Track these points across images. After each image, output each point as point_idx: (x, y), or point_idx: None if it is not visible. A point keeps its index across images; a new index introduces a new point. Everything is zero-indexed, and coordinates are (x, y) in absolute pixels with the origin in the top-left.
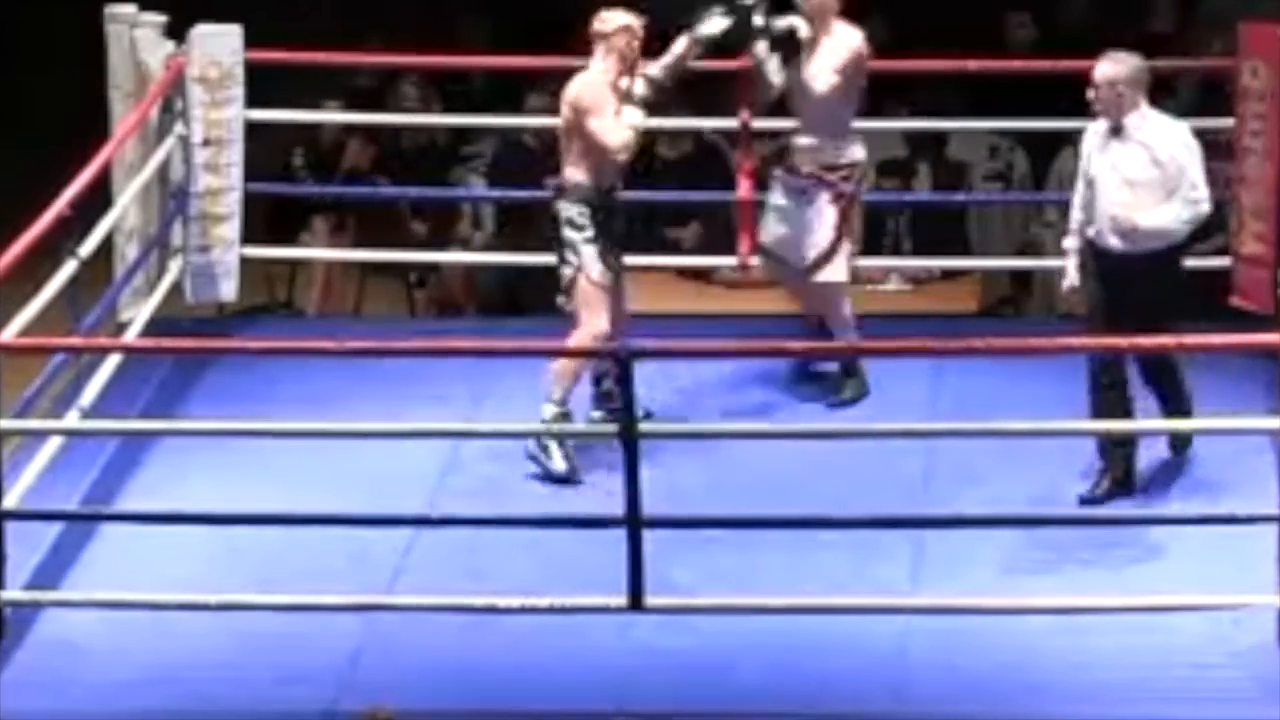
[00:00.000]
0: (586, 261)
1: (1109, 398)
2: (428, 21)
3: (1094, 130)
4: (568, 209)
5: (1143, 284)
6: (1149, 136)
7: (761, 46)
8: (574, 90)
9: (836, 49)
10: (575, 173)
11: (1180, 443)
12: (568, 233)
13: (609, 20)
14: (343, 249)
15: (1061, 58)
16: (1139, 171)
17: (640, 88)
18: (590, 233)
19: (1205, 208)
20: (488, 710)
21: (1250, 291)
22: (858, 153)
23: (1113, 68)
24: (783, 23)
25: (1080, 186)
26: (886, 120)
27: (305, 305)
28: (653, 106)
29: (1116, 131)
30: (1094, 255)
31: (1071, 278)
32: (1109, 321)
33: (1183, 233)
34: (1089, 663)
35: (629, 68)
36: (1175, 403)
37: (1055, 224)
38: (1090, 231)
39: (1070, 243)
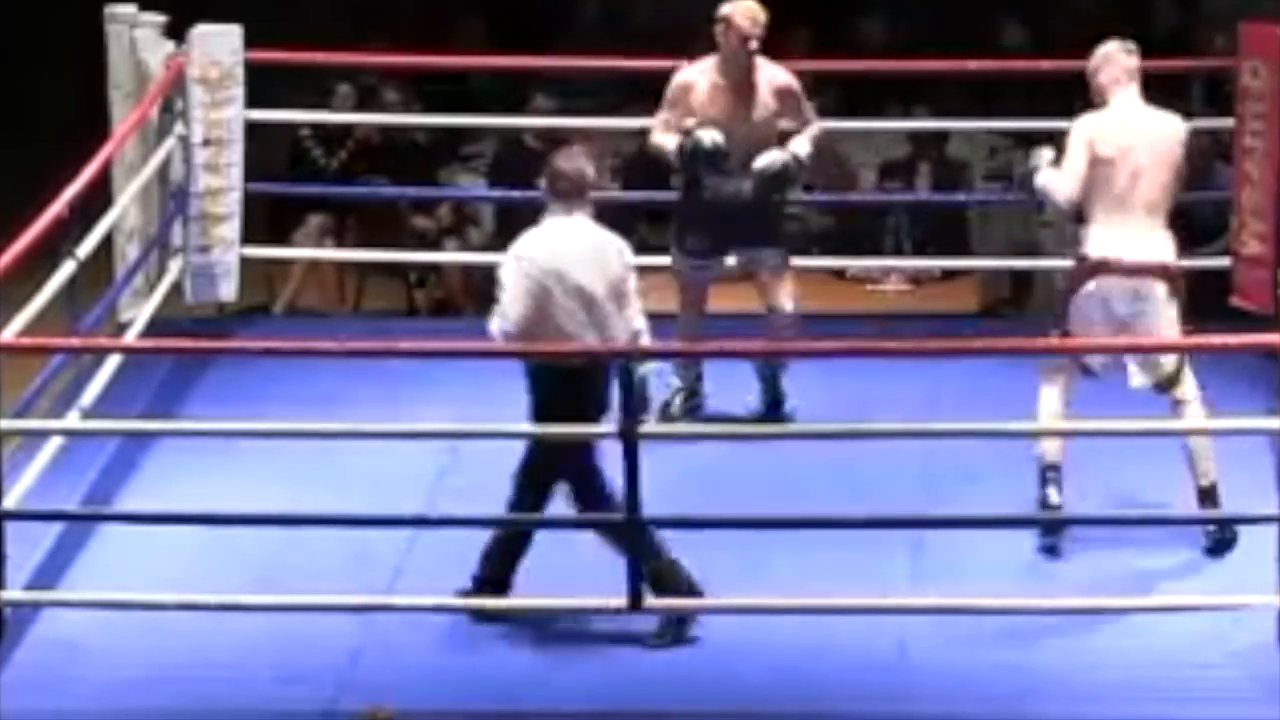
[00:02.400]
0: None
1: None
2: (426, 21)
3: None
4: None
5: None
6: None
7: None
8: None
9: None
10: None
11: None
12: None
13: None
14: (336, 247)
15: (1061, 58)
16: None
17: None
18: None
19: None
20: (488, 710)
21: (1250, 291)
22: None
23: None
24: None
25: None
26: (887, 120)
27: (309, 303)
28: None
29: None
30: None
31: None
32: None
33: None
34: (1089, 663)
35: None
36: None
37: (1055, 224)
38: None
39: None
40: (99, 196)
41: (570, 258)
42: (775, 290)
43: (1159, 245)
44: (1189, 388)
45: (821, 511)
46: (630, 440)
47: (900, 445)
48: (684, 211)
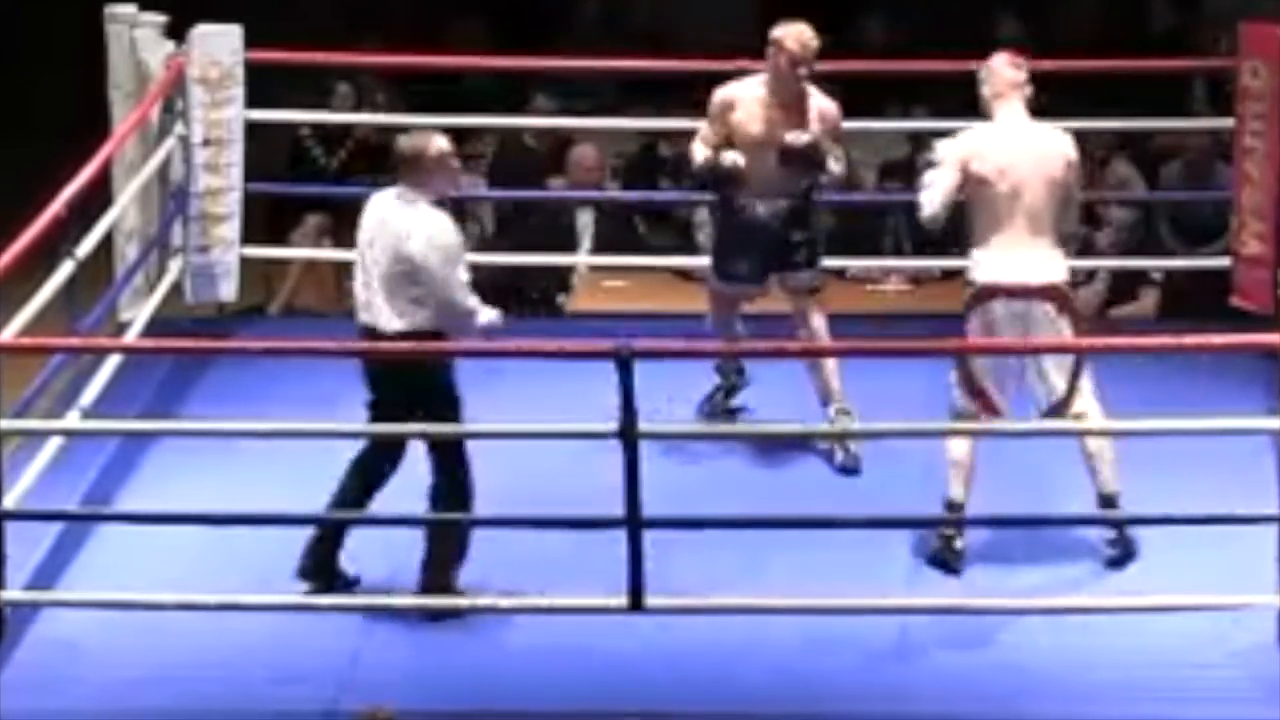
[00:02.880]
0: None
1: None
2: (423, 22)
3: None
4: None
5: None
6: None
7: None
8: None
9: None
10: None
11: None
12: None
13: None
14: (334, 247)
15: (1061, 58)
16: None
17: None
18: None
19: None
20: (488, 710)
21: (1250, 291)
22: None
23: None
24: None
25: None
26: (887, 120)
27: (307, 303)
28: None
29: None
30: None
31: None
32: None
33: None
34: (1089, 663)
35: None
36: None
37: None
38: None
39: None
40: (99, 196)
41: (368, 231)
42: (807, 308)
43: (1044, 265)
44: (1085, 401)
45: (821, 511)
46: (630, 440)
47: (900, 445)
48: (722, 236)
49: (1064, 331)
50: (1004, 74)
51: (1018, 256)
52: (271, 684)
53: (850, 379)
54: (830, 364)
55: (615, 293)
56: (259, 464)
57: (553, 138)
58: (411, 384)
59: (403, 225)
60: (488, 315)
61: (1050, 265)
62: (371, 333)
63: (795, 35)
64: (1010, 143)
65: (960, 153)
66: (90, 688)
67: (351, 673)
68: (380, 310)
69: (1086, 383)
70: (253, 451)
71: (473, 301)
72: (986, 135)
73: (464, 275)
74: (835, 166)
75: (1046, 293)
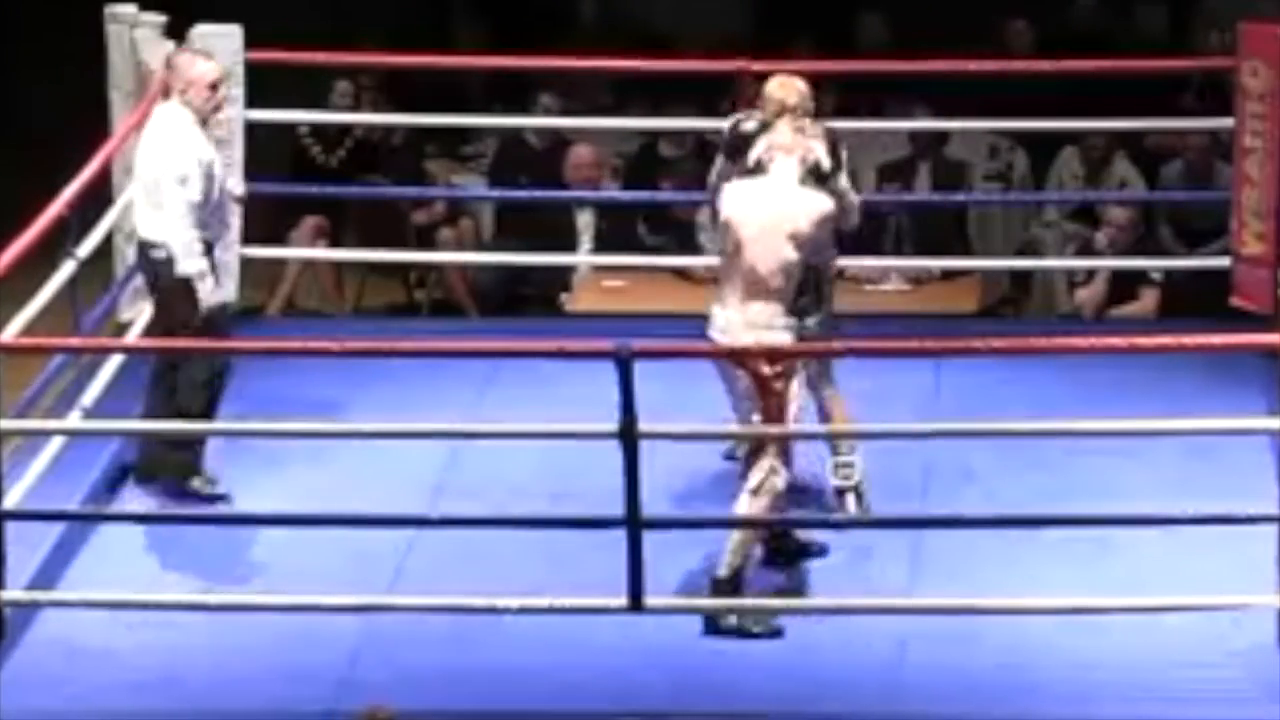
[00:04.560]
0: None
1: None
2: (424, 21)
3: None
4: None
5: None
6: None
7: None
8: None
9: None
10: None
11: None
12: None
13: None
14: (331, 247)
15: (1063, 58)
16: None
17: None
18: None
19: None
20: (488, 710)
21: (1250, 291)
22: None
23: None
24: None
25: None
26: (887, 120)
27: (306, 303)
28: None
29: None
30: None
31: None
32: None
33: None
34: (1089, 663)
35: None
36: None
37: (1055, 224)
38: None
39: None
40: (99, 196)
41: None
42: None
43: (740, 321)
44: (755, 479)
45: (822, 511)
46: (630, 440)
47: (901, 445)
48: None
49: (749, 402)
50: (774, 96)
51: (727, 311)
52: (271, 684)
53: (850, 379)
54: (839, 411)
55: (615, 293)
56: (258, 464)
57: (553, 137)
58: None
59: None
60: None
61: (749, 324)
62: None
63: (774, 85)
64: (754, 189)
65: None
66: (90, 688)
67: (351, 673)
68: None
69: (766, 459)
70: (253, 451)
71: None
72: (744, 179)
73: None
74: (849, 193)
75: (735, 355)
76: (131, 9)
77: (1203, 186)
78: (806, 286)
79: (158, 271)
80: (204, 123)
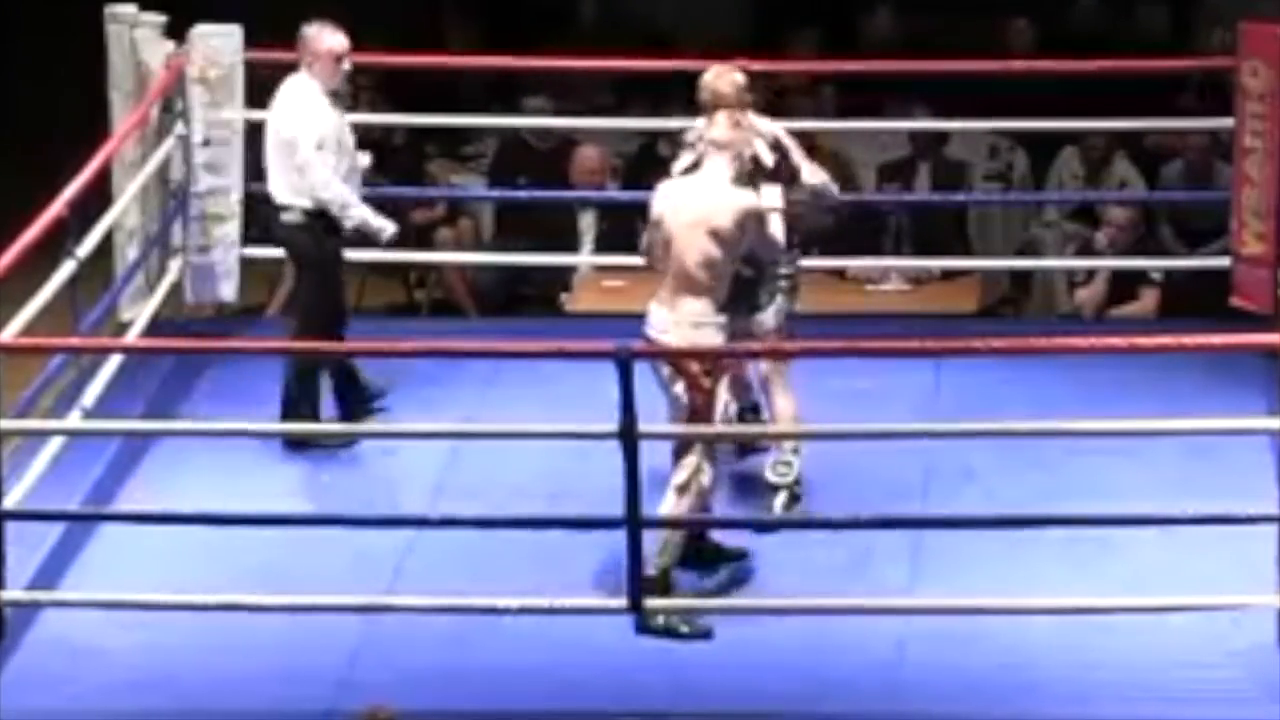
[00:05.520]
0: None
1: None
2: (424, 21)
3: None
4: None
5: None
6: None
7: None
8: None
9: None
10: None
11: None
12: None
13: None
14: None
15: (1063, 58)
16: None
17: None
18: None
19: None
20: (488, 710)
21: (1250, 291)
22: None
23: None
24: None
25: None
26: (887, 120)
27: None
28: None
29: None
30: None
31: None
32: None
33: None
34: (1089, 663)
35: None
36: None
37: (1055, 224)
38: None
39: None
40: (99, 196)
41: None
42: (771, 380)
43: (670, 319)
44: (682, 477)
45: (821, 511)
46: (630, 440)
47: (900, 445)
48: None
49: (676, 392)
50: (707, 86)
51: (658, 303)
52: (271, 684)
53: (850, 379)
54: (788, 410)
55: (615, 293)
56: (259, 464)
57: (555, 138)
58: None
59: None
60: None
61: (674, 319)
62: None
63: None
64: (681, 186)
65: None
66: (90, 688)
67: (351, 673)
68: None
69: (691, 457)
70: (253, 451)
71: None
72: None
73: None
74: (811, 179)
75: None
76: (131, 9)
77: (1203, 186)
78: (762, 281)
79: (292, 236)
80: (334, 94)
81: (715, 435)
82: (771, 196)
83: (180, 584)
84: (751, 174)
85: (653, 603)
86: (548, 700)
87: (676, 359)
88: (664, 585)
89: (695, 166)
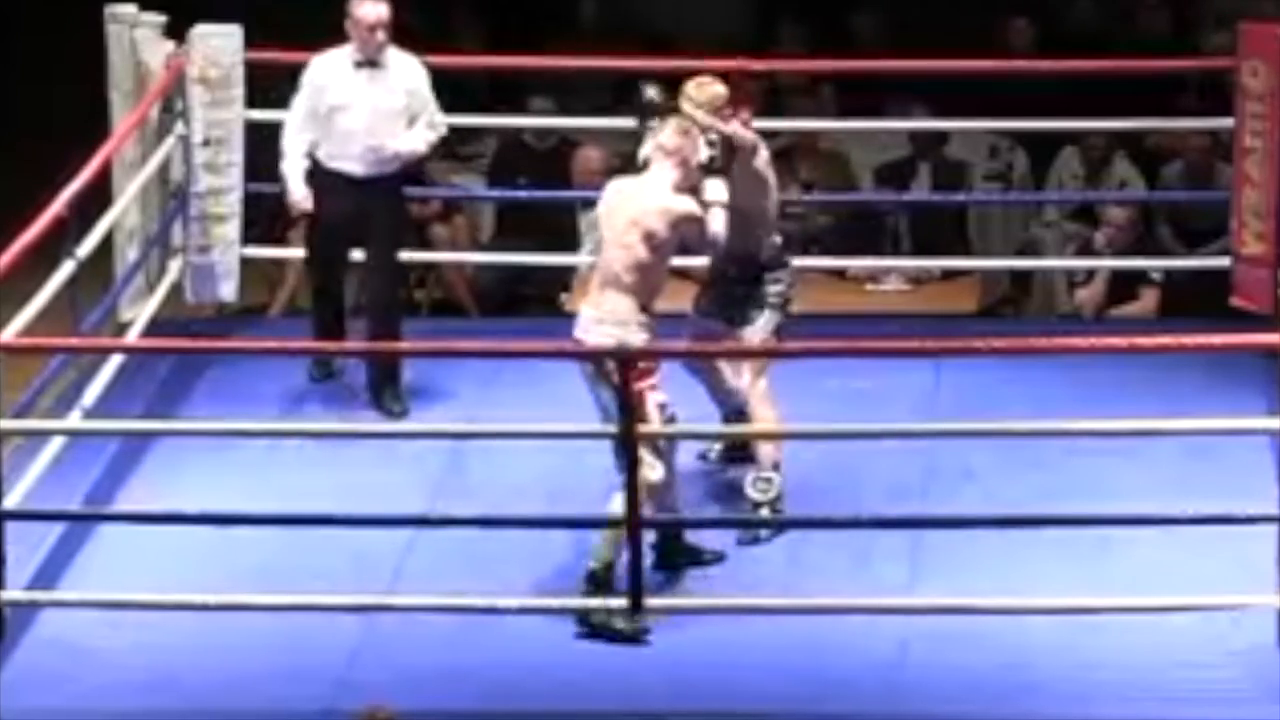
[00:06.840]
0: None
1: None
2: (424, 21)
3: None
4: None
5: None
6: None
7: None
8: None
9: None
10: None
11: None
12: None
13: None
14: None
15: (1063, 58)
16: None
17: None
18: None
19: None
20: (488, 710)
21: (1250, 291)
22: None
23: None
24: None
25: None
26: (886, 120)
27: (307, 303)
28: None
29: None
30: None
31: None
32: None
33: None
34: (1089, 663)
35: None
36: None
37: (1055, 224)
38: None
39: None
40: (99, 196)
41: None
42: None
43: (593, 317)
44: (647, 472)
45: (821, 511)
46: (630, 440)
47: (900, 445)
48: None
49: (605, 396)
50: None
51: (588, 305)
52: (271, 684)
53: (850, 379)
54: (770, 422)
55: None
56: (259, 464)
57: (555, 138)
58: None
59: None
60: None
61: (601, 320)
62: None
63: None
64: (620, 191)
65: None
66: (90, 688)
67: (351, 673)
68: None
69: (646, 455)
70: (253, 451)
71: None
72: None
73: None
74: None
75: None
76: (131, 9)
77: (1203, 186)
78: (753, 295)
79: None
80: (371, 63)
81: (716, 435)
82: (716, 190)
83: (180, 584)
84: (702, 167)
85: (653, 602)
86: (548, 700)
87: (596, 360)
88: (605, 580)
89: (644, 167)
